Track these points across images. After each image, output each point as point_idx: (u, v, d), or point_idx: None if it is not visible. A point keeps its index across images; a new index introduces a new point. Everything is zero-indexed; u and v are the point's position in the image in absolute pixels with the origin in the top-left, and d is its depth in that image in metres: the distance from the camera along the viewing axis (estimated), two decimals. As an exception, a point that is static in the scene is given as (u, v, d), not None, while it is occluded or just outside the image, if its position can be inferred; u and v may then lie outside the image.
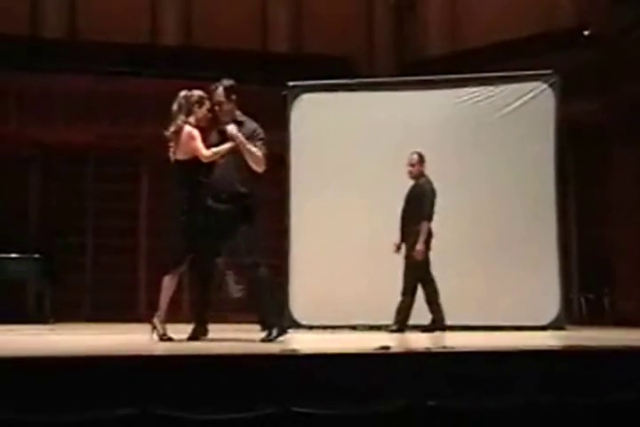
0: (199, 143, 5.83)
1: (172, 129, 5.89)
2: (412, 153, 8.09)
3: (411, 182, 8.11)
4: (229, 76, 6.12)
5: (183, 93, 5.99)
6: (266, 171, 5.88)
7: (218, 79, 6.10)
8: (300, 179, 9.11)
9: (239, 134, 5.84)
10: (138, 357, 4.25)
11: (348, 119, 9.09)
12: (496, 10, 12.18)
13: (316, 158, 9.07)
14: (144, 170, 11.56)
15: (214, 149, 5.86)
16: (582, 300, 10.88)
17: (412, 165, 8.07)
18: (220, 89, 5.95)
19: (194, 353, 4.67)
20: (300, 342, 6.74)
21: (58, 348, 5.32)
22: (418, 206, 7.92)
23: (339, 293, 8.60)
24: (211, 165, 5.85)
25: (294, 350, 4.58)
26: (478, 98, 9.00)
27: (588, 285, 10.94)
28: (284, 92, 9.27)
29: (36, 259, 10.41)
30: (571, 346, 5.74)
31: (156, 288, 6.01)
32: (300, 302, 8.92)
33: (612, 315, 10.47)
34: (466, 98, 9.01)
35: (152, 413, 3.64)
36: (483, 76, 9.18)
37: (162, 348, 5.24)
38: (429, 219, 7.88)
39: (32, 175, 11.85)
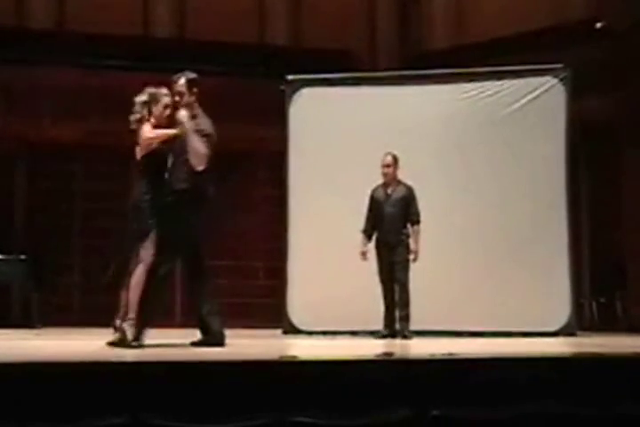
0: (147, 128, 5.97)
1: (132, 126, 6.08)
2: (386, 154, 8.13)
3: (374, 184, 8.18)
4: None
5: (150, 90, 6.12)
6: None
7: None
8: (300, 177, 9.12)
9: (186, 120, 5.92)
10: (129, 363, 4.25)
11: (348, 115, 9.10)
12: (504, 1, 12.18)
13: (315, 156, 9.07)
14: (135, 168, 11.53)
15: (156, 131, 5.96)
16: (594, 304, 10.88)
17: (388, 166, 8.12)
18: (183, 80, 6.04)
19: (188, 360, 4.67)
20: (298, 348, 6.75)
21: (44, 354, 5.32)
22: (405, 209, 8.04)
23: (339, 297, 8.60)
24: (166, 159, 5.97)
25: (293, 357, 4.59)
26: (485, 93, 9.00)
27: (600, 289, 10.95)
28: (282, 87, 9.27)
29: (22, 260, 10.40)
30: (581, 353, 5.74)
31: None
32: (298, 306, 8.93)
33: (624, 320, 10.48)
34: (471, 93, 9.02)
35: (144, 422, 3.64)
36: (489, 71, 9.19)
37: (154, 354, 5.24)
38: (419, 222, 8.02)
39: (18, 174, 11.83)
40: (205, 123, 6.04)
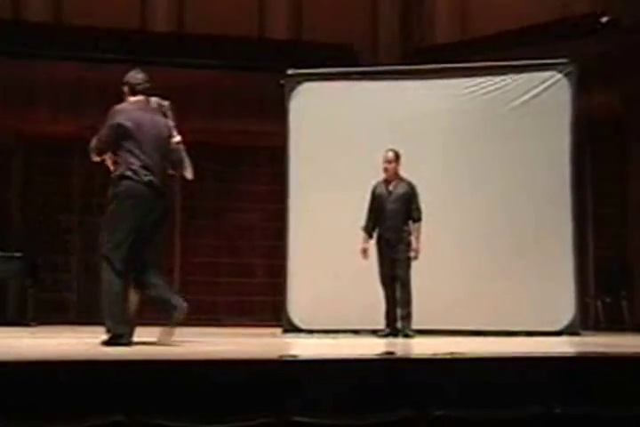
0: None
1: None
2: (388, 150, 8.14)
3: (374, 180, 8.18)
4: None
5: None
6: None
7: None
8: (300, 173, 9.11)
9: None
10: (126, 362, 4.24)
11: (349, 109, 9.09)
12: (508, -6, 12.17)
13: (316, 151, 9.06)
14: (133, 164, 11.51)
15: None
16: (599, 304, 10.87)
17: (389, 162, 8.13)
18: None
19: (187, 358, 4.67)
20: (299, 347, 6.74)
21: (38, 352, 5.31)
22: (406, 206, 8.05)
23: (340, 295, 8.60)
24: None
25: (294, 356, 4.58)
26: (488, 88, 8.99)
27: (605, 288, 10.94)
28: (282, 81, 9.26)
29: (18, 257, 10.40)
30: (586, 352, 5.74)
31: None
32: (299, 304, 8.92)
33: (630, 320, 10.48)
34: (474, 88, 9.01)
35: (140, 422, 3.63)
36: (493, 65, 9.18)
37: (152, 352, 5.23)
38: (421, 219, 8.04)
39: (13, 169, 11.83)
40: (119, 111, 6.04)
